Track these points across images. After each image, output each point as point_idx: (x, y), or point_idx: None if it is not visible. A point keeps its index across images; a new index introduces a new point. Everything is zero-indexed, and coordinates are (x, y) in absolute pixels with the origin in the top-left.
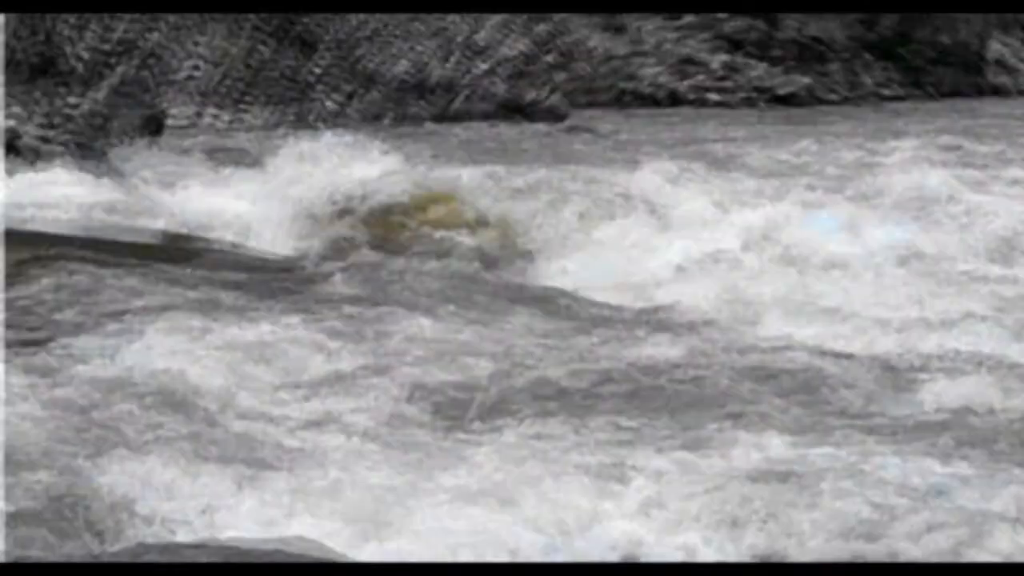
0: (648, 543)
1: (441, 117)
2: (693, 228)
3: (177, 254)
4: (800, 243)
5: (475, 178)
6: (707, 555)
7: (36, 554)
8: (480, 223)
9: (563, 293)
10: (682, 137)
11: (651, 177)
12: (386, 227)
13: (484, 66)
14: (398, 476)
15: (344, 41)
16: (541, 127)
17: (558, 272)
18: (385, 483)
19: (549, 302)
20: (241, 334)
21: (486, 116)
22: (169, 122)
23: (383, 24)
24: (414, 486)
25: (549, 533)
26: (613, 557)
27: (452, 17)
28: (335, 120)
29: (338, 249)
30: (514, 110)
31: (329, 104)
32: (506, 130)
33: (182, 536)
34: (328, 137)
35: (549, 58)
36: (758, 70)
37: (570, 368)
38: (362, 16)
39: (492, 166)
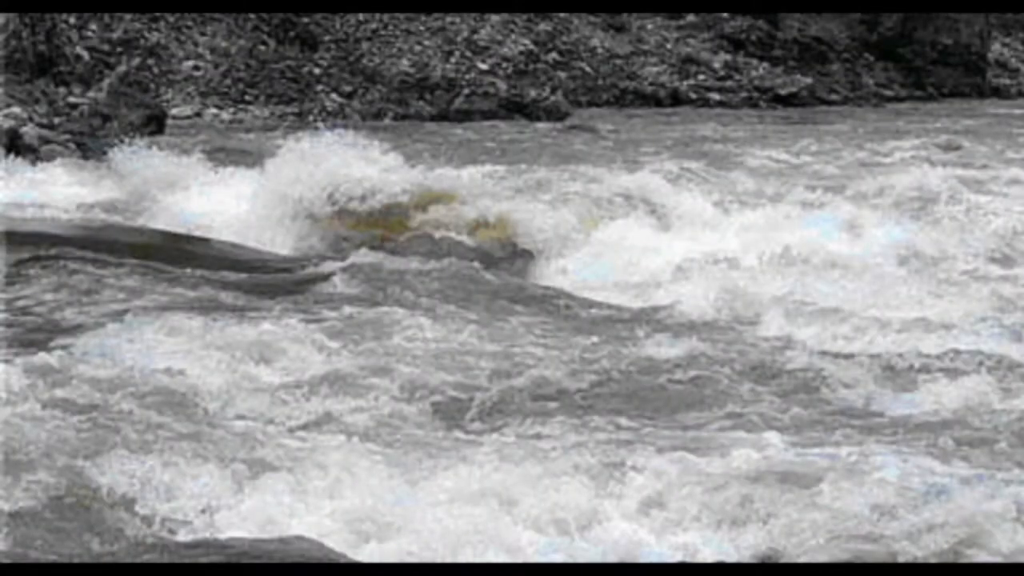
0: (648, 543)
1: (442, 116)
2: (693, 228)
3: (177, 254)
4: (800, 243)
5: (476, 178)
6: (707, 555)
7: (36, 554)
8: (480, 223)
9: (563, 293)
10: (683, 137)
11: (651, 177)
12: (386, 227)
13: (485, 65)
14: (398, 476)
15: (345, 39)
16: (542, 126)
17: (558, 272)
18: (385, 483)
19: (549, 302)
20: (241, 334)
21: (487, 115)
22: (170, 120)
23: (384, 23)
24: (414, 486)
25: (549, 533)
26: (613, 557)
27: (453, 16)
28: (336, 118)
29: (338, 249)
30: (515, 109)
31: (330, 102)
32: (507, 129)
33: (182, 536)
34: (329, 135)
35: (550, 57)
36: (759, 70)
37: (570, 368)
38: (363, 15)
39: (493, 165)
